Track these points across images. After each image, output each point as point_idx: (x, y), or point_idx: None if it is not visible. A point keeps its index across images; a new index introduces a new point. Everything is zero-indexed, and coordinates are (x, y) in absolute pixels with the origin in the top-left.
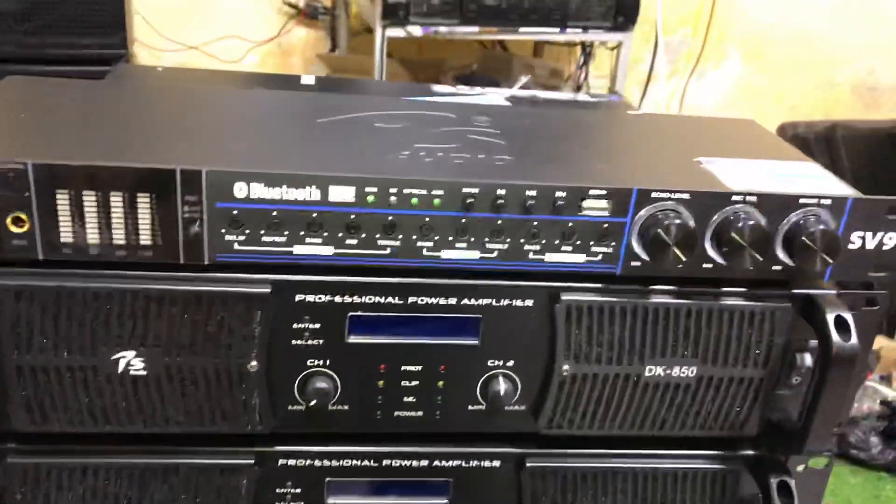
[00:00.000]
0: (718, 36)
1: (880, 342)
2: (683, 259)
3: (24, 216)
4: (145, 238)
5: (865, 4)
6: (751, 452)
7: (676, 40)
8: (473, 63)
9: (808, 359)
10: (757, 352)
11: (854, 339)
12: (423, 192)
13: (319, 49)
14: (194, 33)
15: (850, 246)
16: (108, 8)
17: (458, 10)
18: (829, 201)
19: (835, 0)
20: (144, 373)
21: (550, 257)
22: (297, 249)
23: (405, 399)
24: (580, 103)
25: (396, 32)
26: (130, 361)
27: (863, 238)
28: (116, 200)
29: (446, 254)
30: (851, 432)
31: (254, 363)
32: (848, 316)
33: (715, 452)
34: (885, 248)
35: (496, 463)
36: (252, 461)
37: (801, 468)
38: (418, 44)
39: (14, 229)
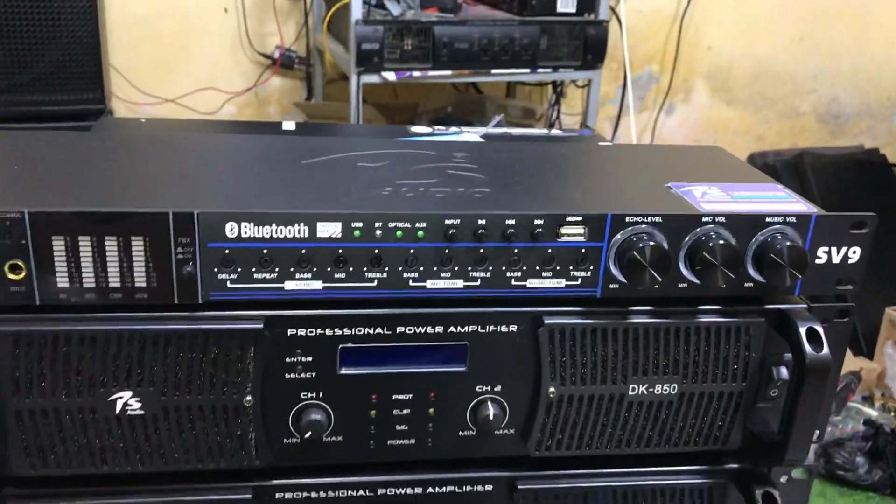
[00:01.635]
0: (685, 71)
1: (860, 363)
2: (659, 280)
3: (21, 263)
4: (140, 280)
5: (822, 37)
6: (735, 466)
7: (644, 77)
8: (448, 105)
9: (783, 371)
10: (735, 366)
11: (826, 350)
12: (407, 225)
13: (296, 97)
14: (170, 86)
15: (817, 261)
16: (86, 64)
17: (430, 55)
18: (794, 219)
19: (793, 33)
20: (142, 413)
21: (532, 283)
22: (288, 285)
23: (397, 427)
24: (553, 137)
25: (371, 79)
26: (127, 402)
27: (828, 253)
28: (111, 245)
29: (432, 283)
30: (837, 454)
31: (249, 398)
32: (819, 328)
33: (700, 467)
34: (850, 261)
35: (488, 487)
36: (250, 496)
37: (784, 479)
38: (393, 88)
39: (11, 276)
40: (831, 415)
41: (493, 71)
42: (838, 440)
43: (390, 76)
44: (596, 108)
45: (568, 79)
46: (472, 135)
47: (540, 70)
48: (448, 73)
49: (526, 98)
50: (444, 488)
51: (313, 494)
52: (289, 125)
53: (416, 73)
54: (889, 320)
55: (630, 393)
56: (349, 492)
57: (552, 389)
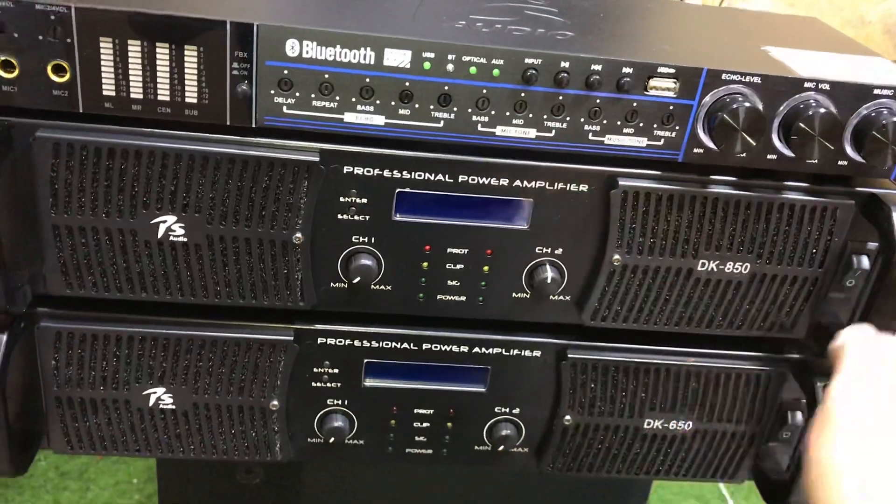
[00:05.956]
0: None
1: None
2: (752, 144)
3: (65, 65)
4: (191, 95)
5: None
6: (797, 356)
7: None
8: None
9: (865, 261)
10: (814, 250)
11: None
12: (483, 60)
13: None
14: None
15: None
16: None
17: None
18: None
19: None
20: (184, 240)
21: (610, 139)
22: (348, 117)
23: (449, 282)
24: None
25: None
26: (171, 227)
27: None
28: (163, 52)
29: (502, 130)
30: None
31: (299, 235)
32: None
33: (760, 354)
34: None
35: (537, 353)
36: (291, 338)
37: None
38: None
39: (55, 78)
40: None
41: None
42: None
43: None
44: None
45: None
46: None
47: None
48: None
49: None
50: (490, 349)
51: (356, 343)
52: None
53: None
54: None
55: (699, 268)
56: (393, 343)
57: (616, 257)
